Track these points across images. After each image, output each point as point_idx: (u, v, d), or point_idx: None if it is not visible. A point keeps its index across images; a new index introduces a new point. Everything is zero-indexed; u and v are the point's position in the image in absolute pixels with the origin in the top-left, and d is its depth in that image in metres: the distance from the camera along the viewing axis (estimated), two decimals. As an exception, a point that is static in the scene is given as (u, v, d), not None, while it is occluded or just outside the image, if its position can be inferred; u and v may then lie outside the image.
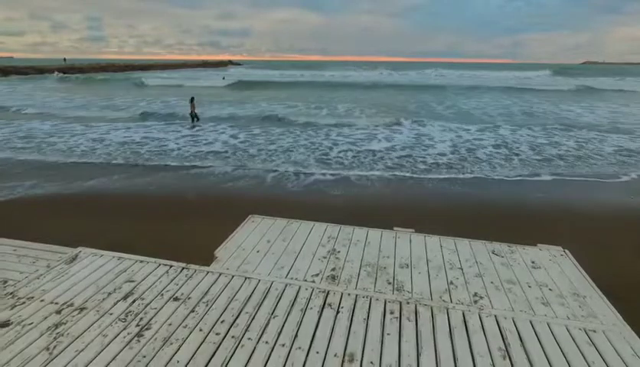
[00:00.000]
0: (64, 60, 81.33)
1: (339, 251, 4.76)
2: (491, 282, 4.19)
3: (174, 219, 7.52)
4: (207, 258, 4.58)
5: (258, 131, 17.01)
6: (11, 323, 3.30)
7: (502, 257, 4.71)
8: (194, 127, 17.65)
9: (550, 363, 3.06)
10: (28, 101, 27.17)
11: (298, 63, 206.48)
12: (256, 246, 4.84)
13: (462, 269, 4.43)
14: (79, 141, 14.86)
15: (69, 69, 63.46)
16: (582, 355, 3.16)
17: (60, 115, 20.96)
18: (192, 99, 18.80)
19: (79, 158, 12.46)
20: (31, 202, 8.46)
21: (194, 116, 18.67)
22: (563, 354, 3.17)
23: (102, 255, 4.41)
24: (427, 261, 4.60)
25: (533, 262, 4.63)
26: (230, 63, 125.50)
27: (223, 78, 51.22)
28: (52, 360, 2.93)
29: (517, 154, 13.28)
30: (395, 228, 5.41)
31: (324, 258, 4.60)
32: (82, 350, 3.04)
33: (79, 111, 22.83)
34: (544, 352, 3.18)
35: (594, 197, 9.45)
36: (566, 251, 4.92)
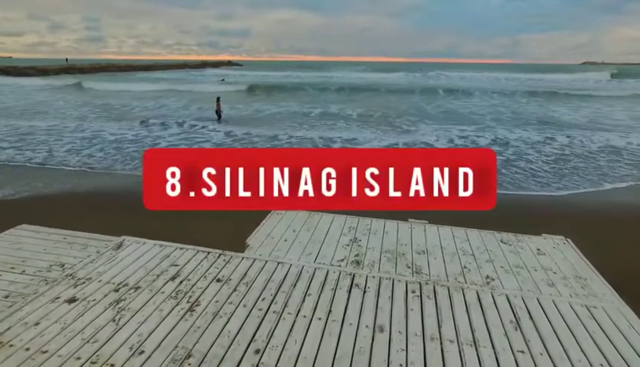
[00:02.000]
0: (66, 60, 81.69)
1: (360, 240, 5.17)
2: (501, 266, 4.60)
3: (195, 215, 7.90)
4: (236, 249, 4.98)
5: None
6: (77, 299, 3.71)
7: (510, 245, 5.14)
8: (219, 123, 19.32)
9: (555, 333, 3.47)
10: None
11: (302, 63, 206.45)
12: (284, 235, 5.25)
13: (474, 255, 4.85)
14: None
15: (70, 70, 64.00)
16: (584, 326, 3.58)
17: None
18: (218, 99, 20.32)
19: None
20: (60, 198, 8.87)
21: (219, 114, 20.10)
22: (567, 326, 3.58)
23: (144, 243, 4.81)
24: (441, 248, 5.02)
25: (538, 249, 5.05)
26: (230, 63, 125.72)
27: (223, 79, 51.07)
28: (119, 329, 3.34)
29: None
30: (410, 220, 5.83)
31: (347, 245, 5.02)
32: (143, 322, 3.45)
33: None
34: (551, 324, 3.59)
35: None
36: (568, 240, 5.34)
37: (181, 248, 4.74)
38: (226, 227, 6.72)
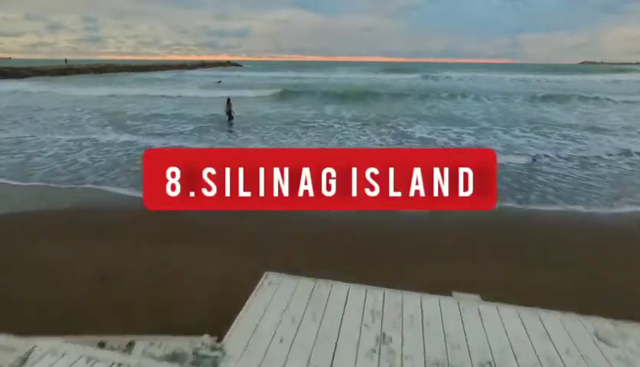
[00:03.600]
0: (65, 61, 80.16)
1: (391, 338, 3.49)
2: (616, 396, 2.93)
3: (183, 247, 6.19)
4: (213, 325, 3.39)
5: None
6: None
7: (614, 346, 3.45)
8: (230, 125, 18.76)
9: None
10: None
11: (302, 63, 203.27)
12: (278, 330, 3.57)
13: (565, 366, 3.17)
14: None
15: (67, 71, 62.55)
16: None
17: None
18: (228, 100, 19.78)
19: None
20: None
21: (230, 114, 19.56)
22: None
23: (64, 354, 3.14)
24: (513, 353, 3.34)
25: (658, 354, 3.37)
26: (229, 63, 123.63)
27: (219, 81, 49.31)
28: None
29: None
30: (454, 294, 4.17)
31: (374, 351, 3.33)
32: None
33: None
34: None
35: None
36: (695, 331, 3.65)
37: (119, 364, 3.06)
38: (195, 272, 5.10)
